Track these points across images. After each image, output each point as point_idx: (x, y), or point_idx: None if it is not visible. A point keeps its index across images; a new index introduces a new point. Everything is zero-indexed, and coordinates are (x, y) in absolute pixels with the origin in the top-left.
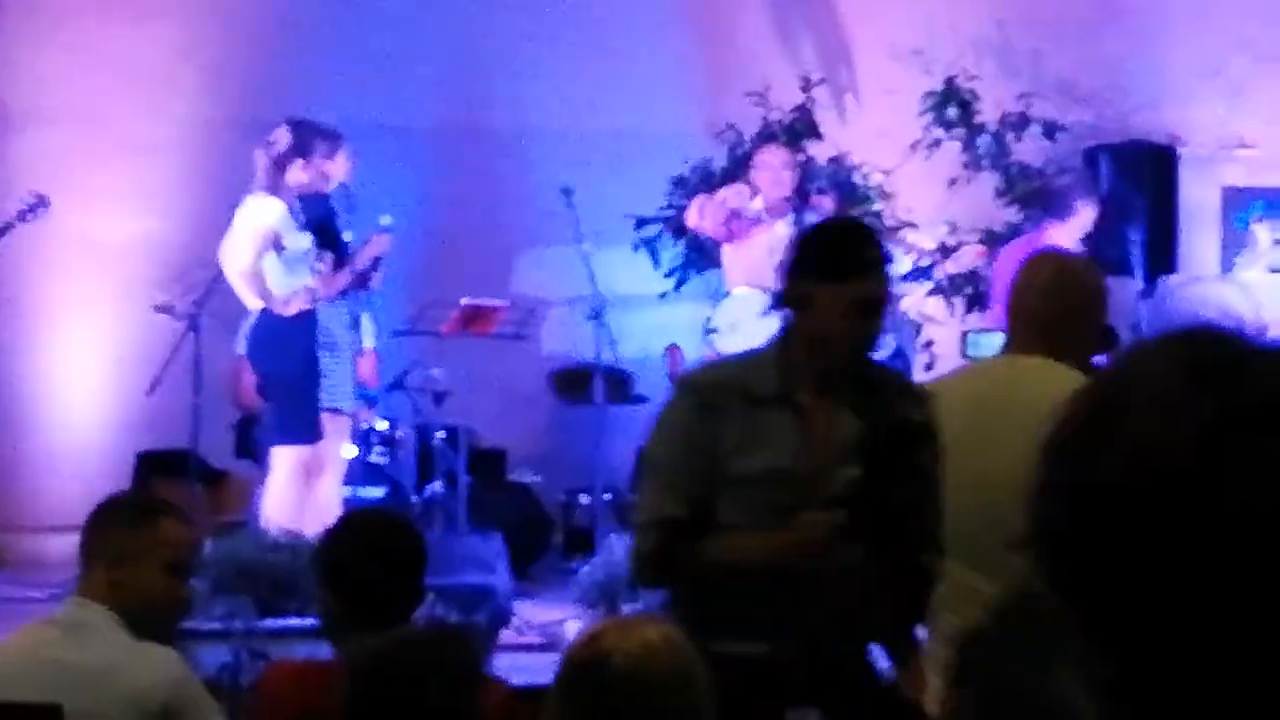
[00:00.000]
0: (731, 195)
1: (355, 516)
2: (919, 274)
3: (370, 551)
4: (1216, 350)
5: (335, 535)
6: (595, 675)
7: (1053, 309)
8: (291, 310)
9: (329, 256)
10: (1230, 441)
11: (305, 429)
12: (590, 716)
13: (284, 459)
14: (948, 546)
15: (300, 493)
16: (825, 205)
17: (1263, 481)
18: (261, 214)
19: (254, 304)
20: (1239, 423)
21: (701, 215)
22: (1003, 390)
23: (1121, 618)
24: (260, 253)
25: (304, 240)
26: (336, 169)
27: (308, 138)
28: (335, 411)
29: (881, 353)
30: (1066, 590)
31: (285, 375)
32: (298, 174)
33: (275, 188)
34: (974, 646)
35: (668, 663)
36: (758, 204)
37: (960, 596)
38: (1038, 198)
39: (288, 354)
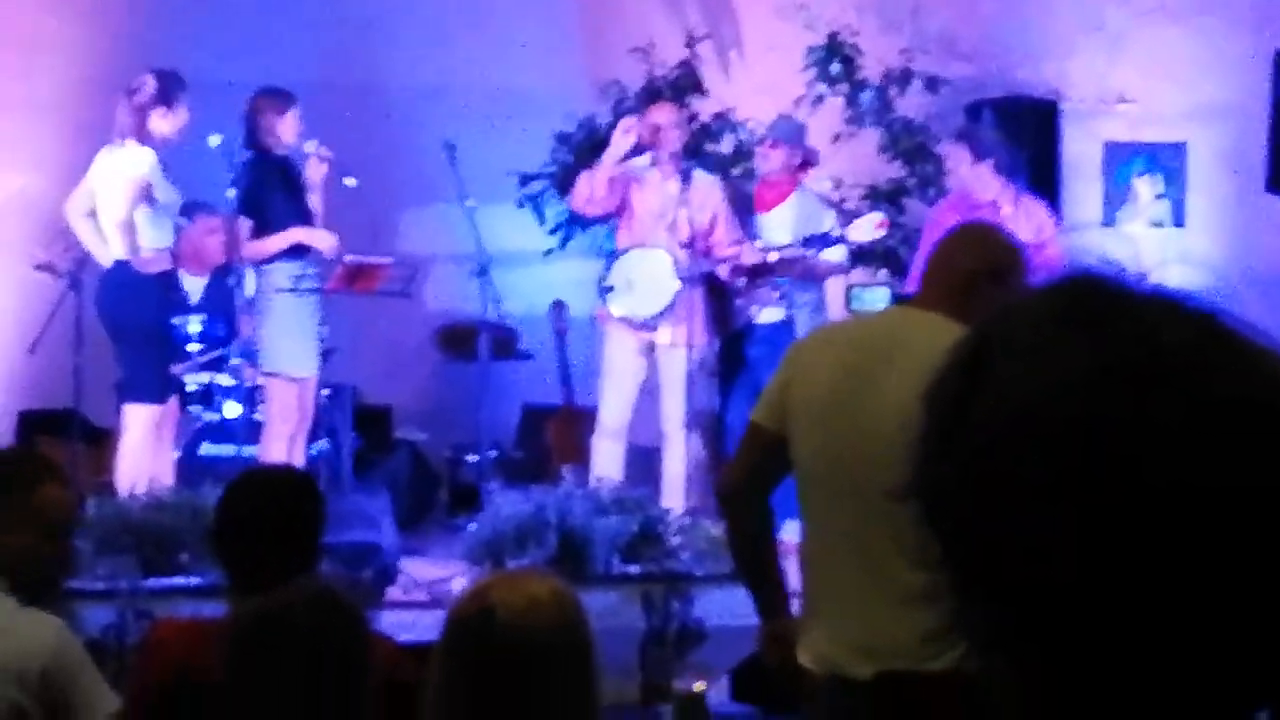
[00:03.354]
0: (610, 160)
1: (254, 475)
2: (820, 241)
3: (268, 509)
4: (1096, 297)
5: (233, 494)
6: (480, 629)
7: (965, 267)
8: (153, 268)
9: (244, 221)
10: (1107, 389)
11: (153, 389)
12: (475, 671)
13: (136, 418)
14: (817, 491)
15: (157, 451)
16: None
17: (1138, 429)
18: (135, 163)
19: (110, 255)
20: (1116, 370)
21: (591, 199)
22: (886, 341)
23: (1000, 569)
24: (134, 203)
25: (173, 193)
26: (287, 129)
27: (171, 87)
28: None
29: (770, 316)
30: (946, 540)
31: (134, 333)
32: (160, 123)
33: (142, 137)
34: None
35: (553, 617)
36: (646, 169)
37: (822, 546)
38: (920, 153)
39: (139, 311)
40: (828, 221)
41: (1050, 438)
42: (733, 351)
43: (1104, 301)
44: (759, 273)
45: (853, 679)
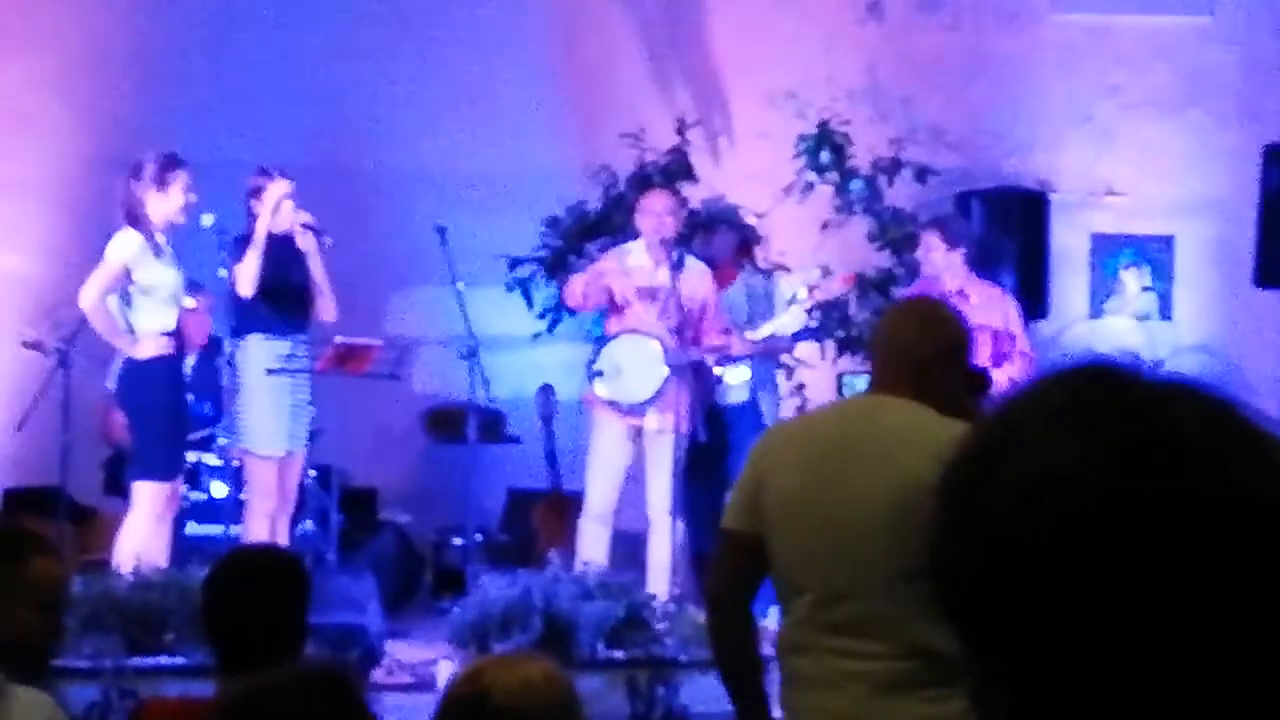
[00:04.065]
0: (609, 267)
1: (239, 555)
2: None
3: (253, 590)
4: (1107, 384)
5: (219, 573)
6: (475, 711)
7: (920, 351)
8: (143, 353)
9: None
10: (1121, 476)
11: (164, 466)
12: None
13: (143, 495)
14: (796, 581)
15: (156, 530)
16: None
17: (1153, 515)
18: (112, 249)
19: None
20: (1129, 457)
21: (585, 298)
22: (862, 428)
23: (1016, 653)
24: (104, 290)
25: (165, 275)
26: (280, 208)
27: (166, 168)
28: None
29: (734, 397)
30: (962, 625)
31: (146, 414)
32: (157, 205)
33: (134, 220)
34: None
35: (547, 699)
36: (639, 254)
37: (807, 634)
38: (909, 242)
39: (149, 394)
40: (779, 297)
41: (1065, 516)
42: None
43: (1118, 386)
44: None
45: None
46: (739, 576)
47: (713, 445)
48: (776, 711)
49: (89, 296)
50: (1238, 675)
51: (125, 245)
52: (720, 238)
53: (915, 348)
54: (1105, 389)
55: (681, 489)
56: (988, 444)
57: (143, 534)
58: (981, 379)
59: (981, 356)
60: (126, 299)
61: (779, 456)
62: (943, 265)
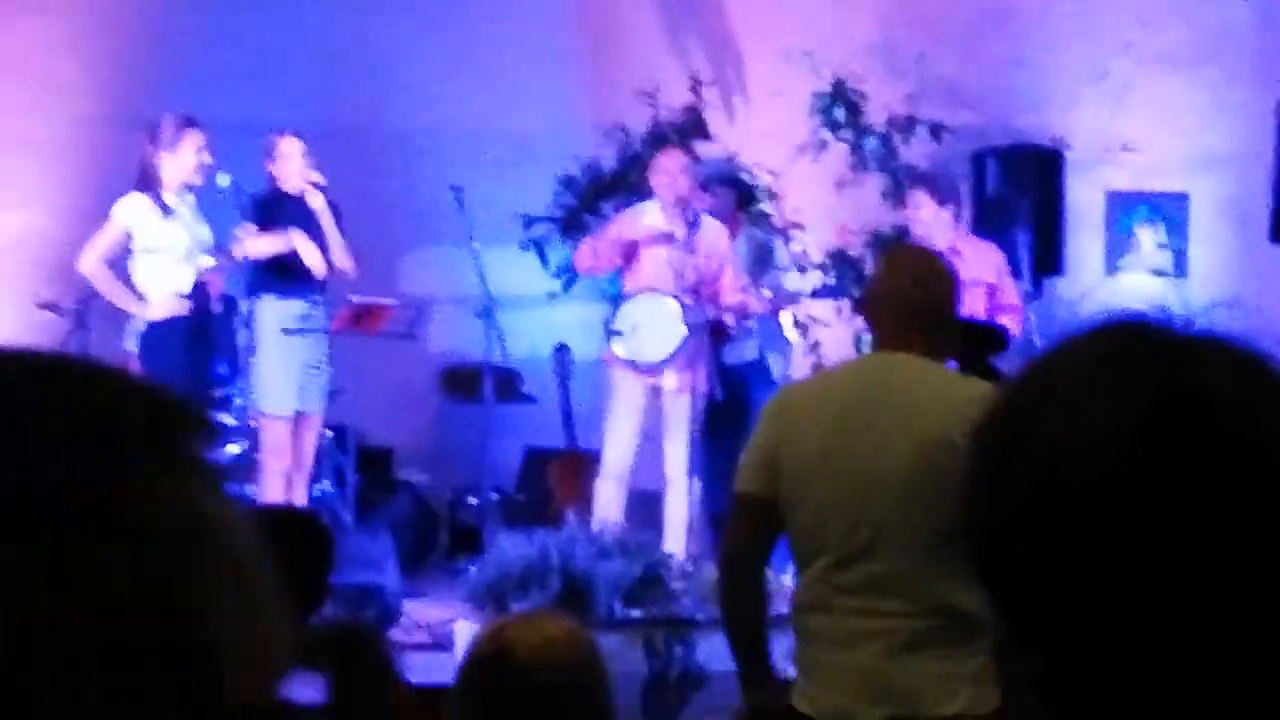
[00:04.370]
0: (622, 227)
1: (262, 514)
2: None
3: (276, 550)
4: (1145, 338)
5: None
6: (498, 669)
7: (920, 302)
8: (154, 315)
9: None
10: (1158, 431)
11: None
12: (492, 710)
13: None
14: (815, 541)
15: None
16: (719, 202)
17: (1193, 471)
18: (116, 211)
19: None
20: (1166, 411)
21: (596, 258)
22: (878, 389)
23: (1049, 614)
24: (102, 252)
25: (175, 235)
26: (294, 168)
27: (178, 129)
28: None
29: (744, 355)
30: (994, 586)
31: (166, 375)
32: (171, 166)
33: (147, 182)
34: None
35: (569, 657)
36: (654, 214)
37: (825, 593)
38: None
39: (169, 354)
40: (780, 252)
41: (1104, 472)
42: (731, 392)
43: (1153, 343)
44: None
45: None
46: (753, 539)
47: (726, 405)
48: (788, 671)
49: (87, 258)
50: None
51: (128, 207)
52: (717, 197)
53: (914, 300)
54: (1139, 344)
55: (698, 449)
56: (1021, 401)
57: None
58: (1000, 335)
59: (977, 311)
60: (132, 261)
61: (795, 418)
62: (932, 222)
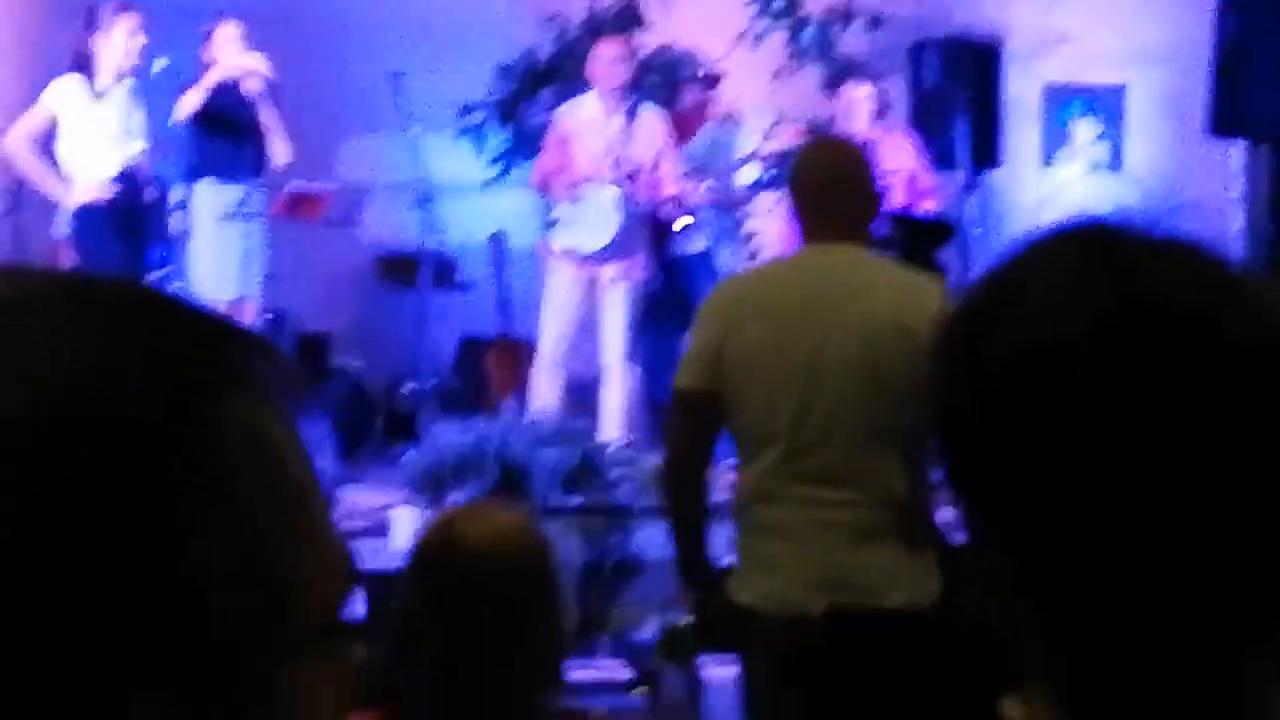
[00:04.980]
0: (560, 126)
1: None
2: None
3: None
4: (1109, 242)
5: None
6: (446, 561)
7: (836, 190)
8: (81, 198)
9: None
10: (1126, 330)
11: None
12: (442, 602)
13: None
14: (764, 433)
15: None
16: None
17: (1156, 369)
18: (46, 93)
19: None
20: (1134, 311)
21: (546, 171)
22: (821, 279)
23: (1022, 511)
24: (28, 133)
25: (106, 119)
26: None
27: (113, 11)
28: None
29: (691, 247)
30: (966, 482)
31: (99, 260)
32: (106, 49)
33: (81, 64)
34: None
35: (519, 548)
36: (591, 104)
37: (778, 483)
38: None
39: (101, 240)
40: (743, 144)
41: (1073, 379)
42: (671, 282)
43: (1117, 247)
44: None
45: (804, 615)
46: (696, 434)
47: (670, 294)
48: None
49: (12, 137)
50: (1237, 534)
51: (58, 90)
52: (685, 88)
53: (834, 188)
54: (1100, 250)
55: (638, 337)
56: (983, 306)
57: None
58: (948, 227)
59: (898, 199)
60: (60, 144)
61: (738, 311)
62: (853, 112)
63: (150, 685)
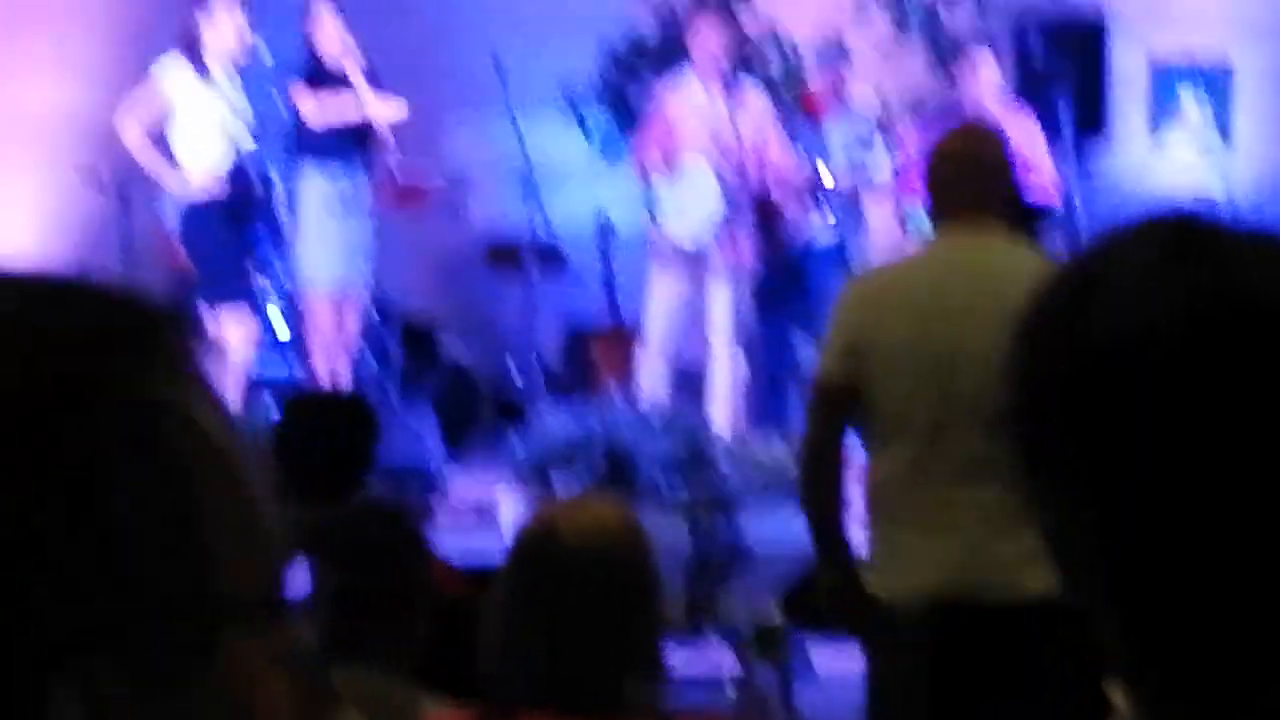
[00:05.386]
0: (663, 108)
1: (308, 399)
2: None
3: (322, 434)
4: (1193, 234)
5: (289, 416)
6: (546, 552)
7: (974, 176)
8: (193, 191)
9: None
10: (1209, 322)
11: (233, 294)
12: (542, 593)
13: (231, 334)
14: (903, 425)
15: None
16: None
17: (1239, 363)
18: (155, 73)
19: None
20: (1218, 304)
21: (651, 146)
22: (963, 270)
23: (1103, 500)
24: (143, 117)
25: (214, 104)
26: (330, 34)
27: None
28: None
29: (820, 238)
30: (1042, 472)
31: (209, 254)
32: (212, 33)
33: (188, 50)
34: None
35: (620, 540)
36: (692, 85)
37: (915, 476)
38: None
39: (211, 233)
40: (873, 139)
41: (1155, 370)
42: (790, 272)
43: (1200, 238)
44: (812, 194)
45: (944, 605)
46: (835, 424)
47: (791, 283)
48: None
49: (126, 122)
50: None
51: (168, 69)
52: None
53: (978, 174)
54: (1182, 243)
55: (754, 324)
56: (1065, 297)
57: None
58: (1044, 213)
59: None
60: (174, 130)
61: (879, 303)
62: (985, 88)
63: (80, 653)
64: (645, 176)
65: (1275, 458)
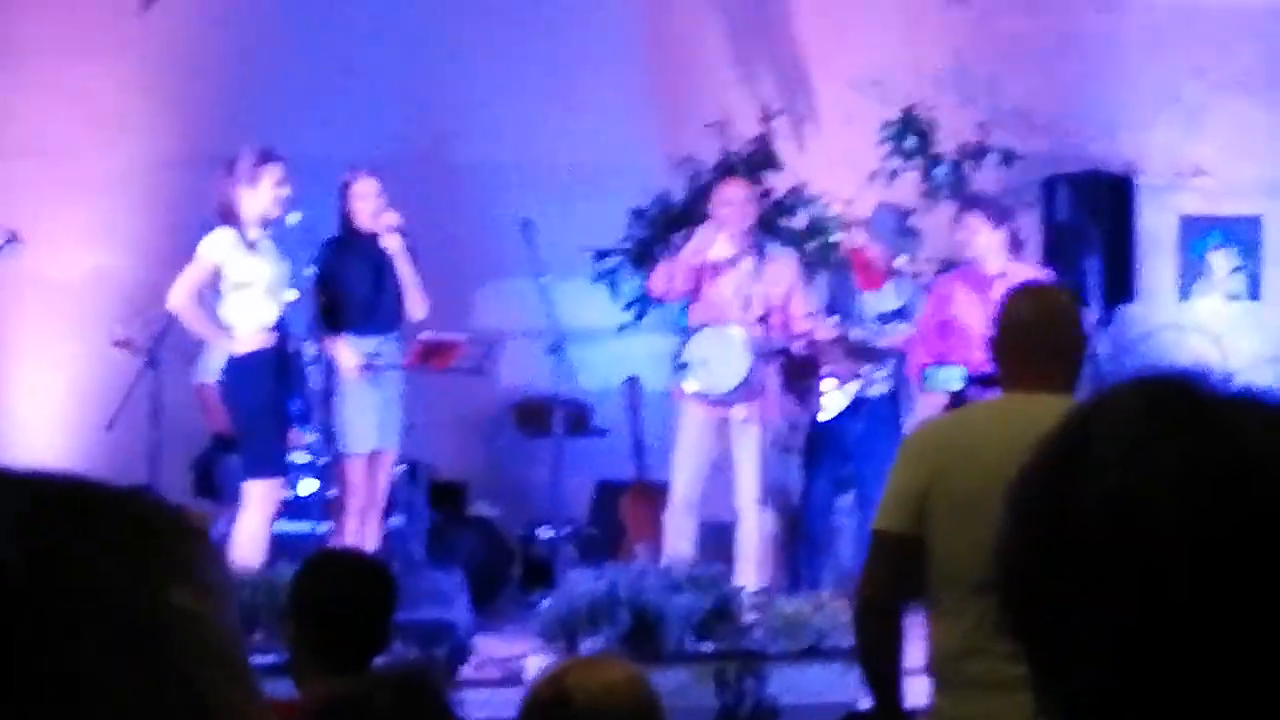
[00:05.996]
0: (692, 252)
1: (329, 557)
2: (899, 314)
3: (342, 595)
4: (1182, 398)
5: (308, 575)
6: (557, 714)
7: (1050, 339)
8: (244, 348)
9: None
10: (1194, 490)
11: (274, 463)
12: None
13: (255, 494)
14: (970, 584)
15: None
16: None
17: (1225, 530)
18: (203, 246)
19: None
20: (1203, 472)
21: (670, 280)
22: (1025, 430)
23: (1087, 665)
24: (192, 288)
25: (260, 269)
26: (365, 206)
27: (257, 162)
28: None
29: (873, 390)
30: (1029, 636)
31: (253, 410)
32: (251, 200)
33: (226, 216)
34: None
35: (629, 703)
36: (721, 245)
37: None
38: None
39: (256, 390)
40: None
41: (1141, 537)
42: (830, 432)
43: (1189, 403)
44: (849, 351)
45: None
46: (894, 579)
47: (841, 436)
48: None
49: (178, 294)
50: None
51: (216, 243)
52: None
53: (1048, 338)
54: (1172, 406)
55: (783, 479)
56: (1055, 459)
57: (259, 534)
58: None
59: None
60: (221, 296)
61: (945, 456)
62: (985, 247)
63: None
64: (663, 300)
65: (1255, 625)
